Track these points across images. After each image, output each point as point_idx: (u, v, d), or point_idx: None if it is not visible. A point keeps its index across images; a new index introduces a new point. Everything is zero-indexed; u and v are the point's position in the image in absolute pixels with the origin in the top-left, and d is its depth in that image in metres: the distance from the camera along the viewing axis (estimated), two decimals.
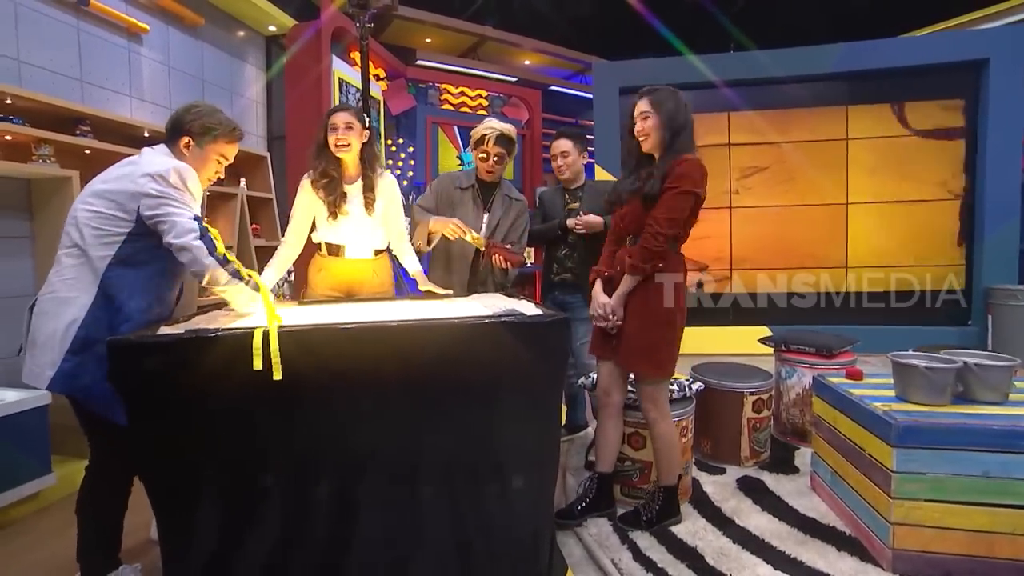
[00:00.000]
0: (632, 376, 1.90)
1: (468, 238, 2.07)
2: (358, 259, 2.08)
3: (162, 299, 1.46)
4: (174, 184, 1.38)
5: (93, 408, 1.37)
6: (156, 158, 1.44)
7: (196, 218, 1.38)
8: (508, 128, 2.18)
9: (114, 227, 1.37)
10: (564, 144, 2.38)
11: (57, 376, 1.34)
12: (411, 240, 2.19)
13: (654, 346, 1.76)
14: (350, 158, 1.98)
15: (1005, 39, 4.18)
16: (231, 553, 1.23)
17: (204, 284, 1.37)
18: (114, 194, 1.38)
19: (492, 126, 2.18)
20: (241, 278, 1.39)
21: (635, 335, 1.76)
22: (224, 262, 1.36)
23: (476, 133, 2.21)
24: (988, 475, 1.53)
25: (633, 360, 1.78)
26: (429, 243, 2.17)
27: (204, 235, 1.36)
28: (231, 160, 1.60)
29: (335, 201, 1.97)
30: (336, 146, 1.93)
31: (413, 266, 2.11)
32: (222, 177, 1.64)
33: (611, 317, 1.77)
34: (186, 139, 1.49)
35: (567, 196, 2.45)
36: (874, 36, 4.48)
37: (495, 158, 2.19)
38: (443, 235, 2.11)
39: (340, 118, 1.93)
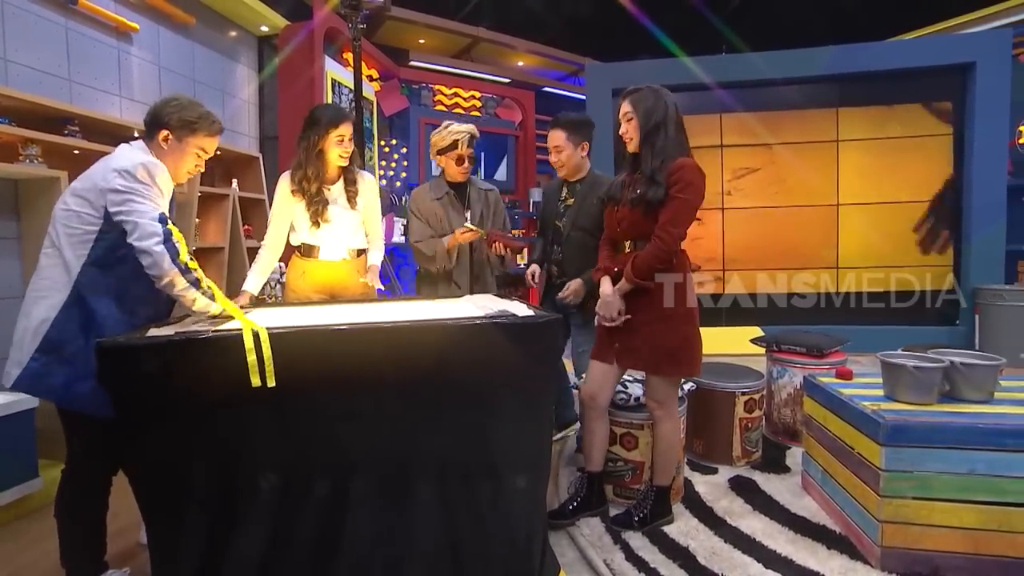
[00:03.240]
0: (643, 375, 1.89)
1: (481, 233, 2.21)
2: (339, 260, 2.08)
3: (139, 302, 1.41)
4: (141, 180, 1.34)
5: (68, 407, 1.36)
6: (129, 153, 1.41)
7: (162, 218, 1.34)
8: (473, 128, 2.29)
9: (86, 225, 1.36)
10: (556, 137, 2.19)
11: (23, 376, 1.33)
12: (435, 265, 2.25)
13: (683, 346, 1.75)
14: (346, 163, 1.98)
15: (991, 43, 4.24)
16: (222, 556, 1.22)
17: (160, 287, 1.33)
18: (85, 191, 1.37)
19: (461, 129, 2.25)
20: (200, 287, 1.36)
21: (661, 336, 1.74)
22: (185, 271, 1.33)
23: (445, 139, 2.26)
24: (974, 473, 1.55)
25: (660, 362, 1.76)
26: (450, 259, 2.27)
27: (168, 239, 1.32)
28: (211, 153, 1.56)
29: (318, 210, 1.97)
30: (341, 157, 1.94)
31: (374, 259, 2.12)
32: (203, 171, 1.61)
33: (619, 318, 1.77)
34: (165, 133, 1.45)
35: (565, 190, 2.30)
36: (863, 39, 4.53)
37: (469, 159, 2.27)
38: (459, 243, 2.23)
39: (348, 130, 1.91)
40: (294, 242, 2.08)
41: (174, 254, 1.31)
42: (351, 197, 2.02)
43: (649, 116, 1.72)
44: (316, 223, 1.98)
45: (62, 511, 1.44)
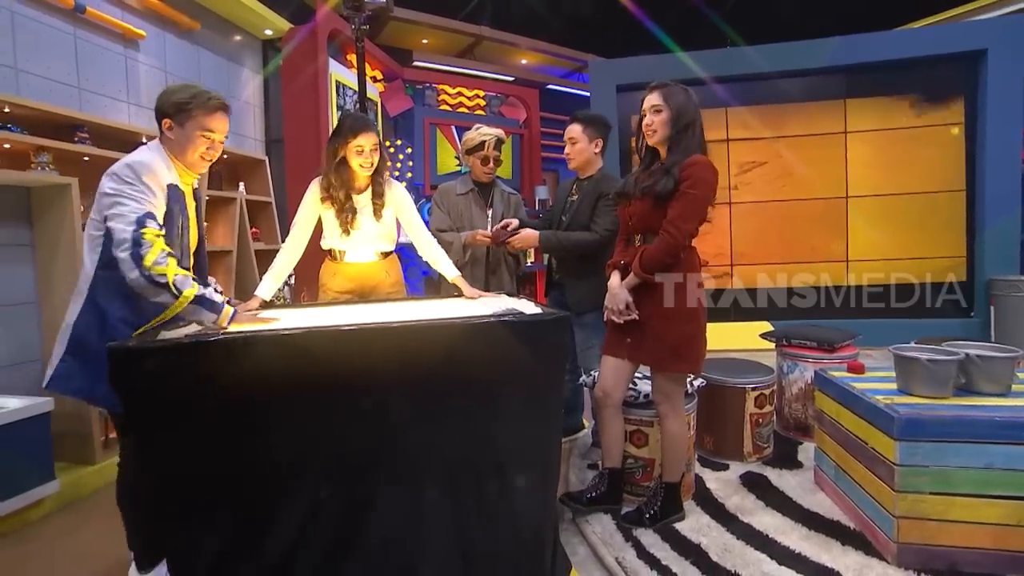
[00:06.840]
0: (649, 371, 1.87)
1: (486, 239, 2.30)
2: (368, 262, 2.10)
3: (148, 302, 1.37)
4: (127, 180, 1.34)
5: (94, 405, 1.44)
6: (132, 154, 1.41)
7: (140, 220, 1.30)
8: (501, 132, 2.41)
9: (94, 231, 1.40)
10: (573, 129, 2.21)
11: (53, 376, 1.40)
12: (450, 254, 2.19)
13: (686, 343, 1.74)
14: (367, 172, 1.98)
15: (1002, 30, 4.16)
16: (234, 558, 1.23)
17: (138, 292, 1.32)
18: (96, 196, 1.41)
19: (489, 132, 2.36)
20: (170, 291, 1.30)
21: (664, 333, 1.73)
22: (148, 277, 1.28)
23: (472, 140, 2.38)
24: (992, 467, 1.52)
25: (663, 358, 1.75)
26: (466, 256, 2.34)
27: (137, 244, 1.28)
28: (220, 135, 1.50)
29: (347, 219, 1.98)
30: (361, 167, 1.93)
31: (451, 272, 2.03)
32: (215, 156, 1.51)
33: (628, 312, 1.75)
34: (166, 121, 1.45)
35: (574, 186, 2.30)
36: (871, 29, 4.47)
37: (494, 161, 2.39)
38: (474, 245, 2.32)
39: (368, 141, 1.89)
40: (325, 246, 2.10)
41: (138, 260, 1.27)
42: (376, 209, 2.00)
43: (682, 114, 1.70)
44: (346, 231, 1.99)
45: (123, 498, 1.52)
